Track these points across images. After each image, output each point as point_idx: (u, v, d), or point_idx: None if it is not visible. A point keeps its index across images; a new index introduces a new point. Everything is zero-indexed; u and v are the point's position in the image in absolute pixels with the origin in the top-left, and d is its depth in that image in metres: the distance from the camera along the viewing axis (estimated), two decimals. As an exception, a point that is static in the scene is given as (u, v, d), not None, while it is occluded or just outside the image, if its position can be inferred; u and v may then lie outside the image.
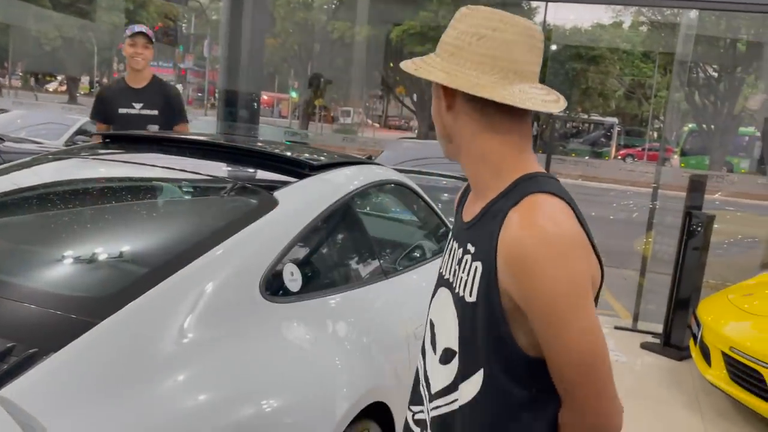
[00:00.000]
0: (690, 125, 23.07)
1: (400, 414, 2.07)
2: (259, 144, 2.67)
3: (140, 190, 2.20)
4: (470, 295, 1.01)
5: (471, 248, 1.03)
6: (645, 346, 4.70)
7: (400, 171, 6.73)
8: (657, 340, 4.75)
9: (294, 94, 33.79)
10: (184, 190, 2.16)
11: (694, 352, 3.92)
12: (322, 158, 2.38)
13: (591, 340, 0.94)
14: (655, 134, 29.48)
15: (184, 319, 1.45)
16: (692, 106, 21.43)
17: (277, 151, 2.39)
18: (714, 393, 3.77)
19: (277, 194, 1.94)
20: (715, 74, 20.57)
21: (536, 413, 1.00)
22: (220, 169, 2.32)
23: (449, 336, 1.07)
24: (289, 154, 2.33)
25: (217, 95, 7.58)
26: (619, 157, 26.66)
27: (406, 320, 2.26)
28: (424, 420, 1.15)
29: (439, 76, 1.00)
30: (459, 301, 1.04)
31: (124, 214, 1.99)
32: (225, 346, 1.48)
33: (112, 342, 1.33)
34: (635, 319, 5.21)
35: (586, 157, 21.59)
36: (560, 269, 0.91)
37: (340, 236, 2.18)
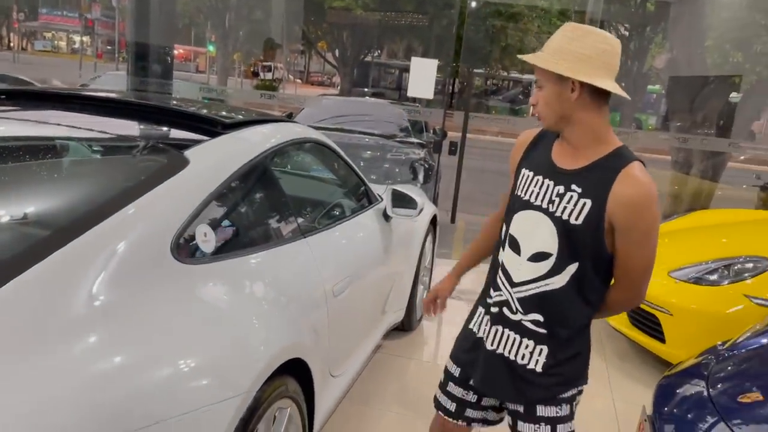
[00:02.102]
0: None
1: (319, 368, 2.12)
2: (171, 102, 2.57)
3: (41, 150, 2.08)
4: (576, 220, 1.51)
5: (577, 189, 1.52)
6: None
7: (322, 129, 6.65)
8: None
9: (211, 48, 32.43)
10: (89, 149, 2.06)
11: (600, 299, 4.18)
12: (235, 116, 2.32)
13: (654, 254, 1.55)
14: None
15: (92, 282, 1.40)
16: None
17: (188, 109, 2.31)
18: (615, 336, 4.05)
19: (187, 153, 1.88)
20: (626, 33, 21.27)
21: (601, 291, 1.61)
22: (127, 127, 2.23)
23: (543, 244, 1.56)
24: (200, 112, 2.26)
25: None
26: (535, 114, 27.32)
27: (324, 278, 2.28)
28: (507, 300, 1.64)
29: (590, 77, 1.47)
30: (561, 222, 1.53)
31: (24, 175, 1.88)
32: (135, 309, 1.45)
33: (13, 309, 1.28)
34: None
35: (505, 115, 22.08)
36: (656, 211, 1.49)
37: (255, 196, 2.16)
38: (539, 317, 1.59)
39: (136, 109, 2.31)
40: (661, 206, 8.02)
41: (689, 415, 2.09)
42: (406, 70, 28.48)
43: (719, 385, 2.09)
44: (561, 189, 1.54)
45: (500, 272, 1.66)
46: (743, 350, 2.29)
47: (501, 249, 1.67)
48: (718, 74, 8.30)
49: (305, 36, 26.79)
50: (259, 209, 2.17)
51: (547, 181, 1.57)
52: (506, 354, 1.64)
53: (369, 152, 6.44)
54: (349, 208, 2.91)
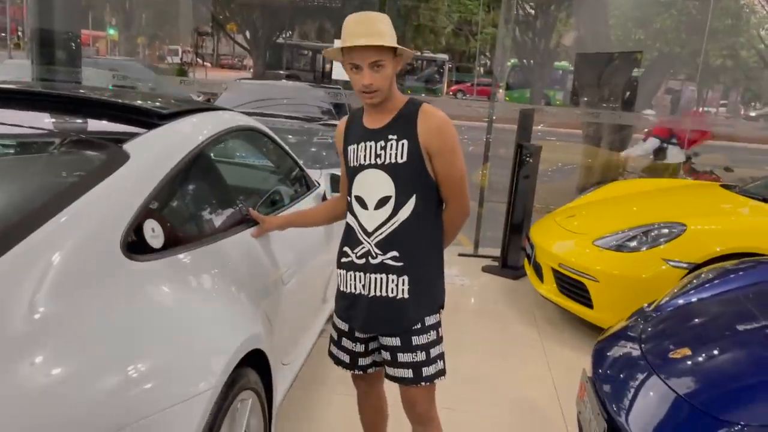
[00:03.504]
0: (512, 60, 24.60)
1: (275, 357, 2.11)
2: (102, 93, 2.44)
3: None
4: (401, 158, 1.86)
5: (393, 136, 1.87)
6: (486, 269, 5.14)
7: (245, 114, 6.51)
8: (496, 263, 5.21)
9: (112, 32, 30.72)
10: (19, 148, 1.94)
11: (529, 270, 4.36)
12: (170, 106, 2.25)
13: (464, 166, 1.93)
14: (482, 70, 31.06)
15: (32, 295, 1.31)
16: (514, 42, 22.79)
17: (122, 100, 2.21)
18: (546, 306, 4.25)
19: (127, 147, 1.81)
20: (532, 11, 21.91)
21: (438, 215, 1.98)
22: (57, 122, 2.11)
23: (382, 190, 1.89)
24: (135, 102, 2.16)
25: (20, 34, 6.68)
26: (451, 93, 27.83)
27: (273, 266, 2.27)
28: (369, 250, 1.93)
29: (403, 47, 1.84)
30: (391, 166, 1.87)
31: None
32: (89, 313, 1.39)
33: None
34: (476, 245, 5.64)
35: (422, 94, 22.32)
36: (455, 131, 1.89)
37: (199, 187, 2.10)
38: (396, 253, 1.89)
39: (62, 102, 2.19)
40: (577, 178, 8.42)
41: (625, 373, 2.24)
42: (320, 51, 28.17)
43: (650, 344, 2.25)
44: (382, 143, 1.88)
45: (357, 230, 1.95)
46: (668, 309, 2.47)
47: (352, 214, 1.97)
48: (622, 50, 8.75)
49: (214, 18, 25.91)
50: (204, 201, 2.13)
51: (369, 143, 1.90)
52: (378, 293, 1.92)
53: (294, 136, 6.36)
54: (288, 195, 2.89)
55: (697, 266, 3.33)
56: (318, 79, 25.73)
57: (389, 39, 1.79)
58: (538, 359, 3.59)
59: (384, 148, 1.88)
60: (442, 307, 2.03)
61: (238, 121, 2.55)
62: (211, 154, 2.22)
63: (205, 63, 31.69)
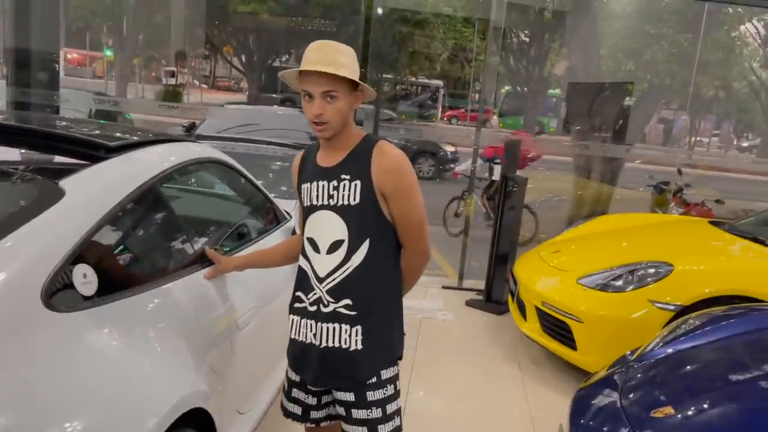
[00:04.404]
0: (506, 87, 24.70)
1: (224, 411, 1.95)
2: (49, 122, 2.31)
3: None
4: (354, 200, 1.74)
5: (346, 176, 1.75)
6: (469, 303, 4.98)
7: (227, 140, 6.37)
8: (480, 297, 5.06)
9: (108, 53, 30.78)
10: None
11: (512, 307, 4.21)
12: (122, 137, 2.11)
13: (422, 208, 1.81)
14: (477, 96, 31.16)
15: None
16: (508, 69, 22.91)
17: (66, 131, 2.08)
18: (530, 344, 4.09)
19: (63, 183, 1.67)
20: (527, 39, 22.06)
21: (395, 260, 1.84)
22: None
23: (335, 234, 1.76)
24: (79, 133, 2.03)
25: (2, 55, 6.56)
26: (445, 119, 27.90)
27: (228, 310, 2.12)
28: (320, 297, 1.79)
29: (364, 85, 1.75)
30: (343, 208, 1.75)
31: None
32: (2, 371, 1.24)
33: None
34: (461, 277, 5.50)
35: (415, 120, 22.34)
36: (411, 172, 1.78)
37: (145, 226, 1.96)
38: (349, 301, 1.76)
39: (4, 132, 2.05)
40: (567, 210, 8.32)
41: (603, 429, 2.09)
42: (316, 75, 28.16)
43: (632, 398, 2.10)
44: (335, 183, 1.76)
45: (309, 274, 1.82)
46: (652, 360, 2.33)
47: (304, 257, 1.84)
48: (613, 81, 8.71)
49: (209, 40, 26.01)
50: (150, 241, 1.98)
51: (322, 183, 1.78)
52: (330, 344, 1.77)
53: (279, 163, 6.24)
54: (254, 229, 2.75)
55: (685, 309, 3.19)
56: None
57: (348, 71, 1.69)
58: (518, 400, 3.43)
59: (336, 188, 1.76)
60: (400, 358, 1.89)
61: (200, 153, 2.42)
62: (165, 189, 2.08)
63: (201, 85, 31.72)
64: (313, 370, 1.81)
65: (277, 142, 6.59)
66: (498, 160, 6.85)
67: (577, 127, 9.19)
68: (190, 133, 7.24)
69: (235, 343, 2.11)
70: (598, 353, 3.40)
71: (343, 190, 1.75)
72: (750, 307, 2.68)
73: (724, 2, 5.21)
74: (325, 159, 1.81)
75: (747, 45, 19.23)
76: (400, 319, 1.88)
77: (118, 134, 2.20)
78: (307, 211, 1.83)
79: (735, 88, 21.26)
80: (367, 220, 1.75)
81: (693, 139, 24.27)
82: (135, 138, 2.12)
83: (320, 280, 1.79)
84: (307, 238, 1.83)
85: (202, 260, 2.10)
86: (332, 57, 1.68)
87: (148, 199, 1.92)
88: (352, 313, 1.76)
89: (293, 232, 2.96)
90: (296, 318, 1.87)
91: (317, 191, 1.79)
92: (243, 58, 25.46)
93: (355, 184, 1.74)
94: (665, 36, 8.33)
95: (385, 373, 1.81)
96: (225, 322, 2.06)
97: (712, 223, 4.32)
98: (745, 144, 27.11)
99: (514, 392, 3.53)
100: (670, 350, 2.34)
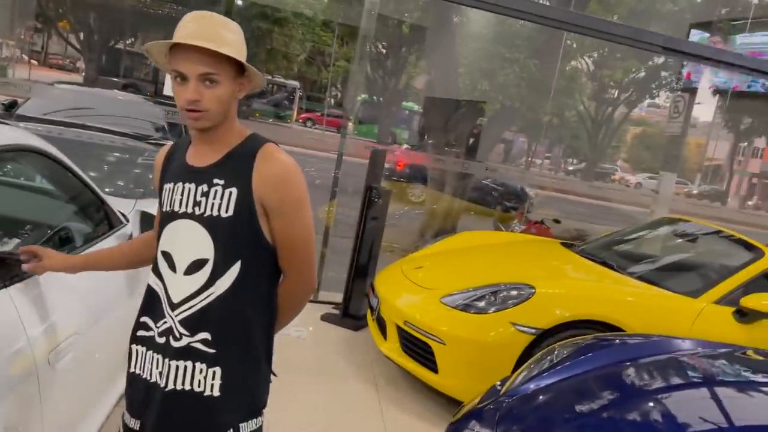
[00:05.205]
0: (363, 96, 24.95)
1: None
2: None
3: None
4: (227, 212, 1.41)
5: (220, 181, 1.42)
6: (325, 317, 4.72)
7: (56, 124, 5.54)
8: (337, 311, 4.82)
9: None
10: None
11: (371, 324, 4.02)
12: None
13: (312, 227, 1.50)
14: (332, 101, 31.19)
15: None
16: (366, 78, 23.14)
17: None
18: (388, 363, 3.91)
19: None
20: (384, 51, 22.44)
21: (271, 289, 1.50)
22: None
23: (197, 250, 1.43)
24: None
25: None
26: (300, 121, 27.58)
27: (34, 342, 1.66)
28: (170, 327, 1.45)
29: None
30: (212, 220, 1.41)
31: None
32: None
33: None
34: (317, 289, 5.22)
35: (270, 120, 21.77)
36: (302, 182, 1.46)
37: None
38: (207, 335, 1.43)
39: None
40: (413, 216, 8.38)
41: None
42: (164, 62, 26.47)
43: (507, 437, 1.96)
44: (204, 187, 1.43)
45: (161, 297, 1.48)
46: (522, 394, 2.22)
47: (156, 274, 1.50)
48: (468, 99, 8.97)
49: (43, 12, 23.47)
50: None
51: (187, 185, 1.46)
52: (179, 387, 1.43)
53: (116, 154, 5.55)
54: (81, 236, 2.27)
55: (545, 332, 3.18)
56: (160, 91, 24.13)
57: (233, 50, 1.37)
58: (376, 428, 3.22)
59: (206, 194, 1.43)
60: (264, 407, 1.56)
61: (15, 140, 1.92)
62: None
63: (31, 60, 28.52)
64: (156, 416, 1.45)
65: (116, 131, 5.88)
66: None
67: (431, 141, 9.35)
68: (9, 112, 6.26)
69: (44, 381, 1.66)
70: (460, 376, 3.30)
71: (214, 198, 1.42)
72: (614, 336, 2.71)
73: (579, 33, 5.48)
74: (197, 157, 1.47)
75: (580, 77, 21.15)
76: (269, 359, 1.55)
77: None
78: (165, 218, 1.48)
79: (566, 116, 23.28)
80: (240, 238, 1.42)
81: (529, 159, 26.21)
82: None
83: (173, 307, 1.45)
84: (162, 252, 1.48)
85: (3, 277, 1.63)
86: (214, 31, 1.36)
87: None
88: (210, 350, 1.43)
89: (130, 238, 2.51)
90: (140, 349, 1.52)
91: (180, 195, 1.45)
92: (81, 35, 23.24)
93: (230, 192, 1.41)
94: (518, 60, 8.76)
95: (246, 427, 1.48)
96: (30, 357, 1.60)
97: (564, 245, 4.46)
98: (570, 168, 29.84)
99: (372, 418, 3.32)
100: (539, 384, 2.25)
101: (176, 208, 1.45)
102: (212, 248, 1.42)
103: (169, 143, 1.62)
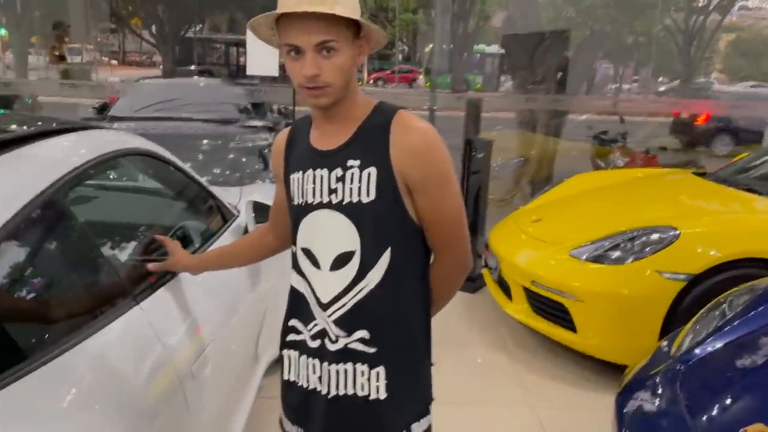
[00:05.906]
0: (430, 45, 24.28)
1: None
2: None
3: None
4: (368, 195, 1.26)
5: (355, 162, 1.26)
6: (439, 282, 4.55)
7: (146, 120, 5.59)
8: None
9: (2, 32, 28.17)
10: None
11: (492, 286, 3.80)
12: (10, 128, 1.50)
13: (461, 199, 1.35)
14: (400, 56, 30.61)
15: None
16: (431, 26, 22.45)
17: None
18: (513, 323, 3.69)
19: None
20: (451, -6, 21.62)
21: (425, 272, 1.36)
22: None
23: (341, 243, 1.28)
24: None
25: None
26: (371, 82, 27.32)
27: (174, 355, 1.57)
28: (325, 329, 1.32)
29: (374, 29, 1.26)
30: (351, 207, 1.26)
31: None
32: None
33: None
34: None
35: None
36: (444, 150, 1.29)
37: (47, 258, 1.37)
38: (365, 333, 1.30)
39: None
40: (513, 166, 8.00)
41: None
42: (234, 44, 26.86)
43: (701, 416, 1.70)
44: (339, 171, 1.28)
45: (308, 298, 1.36)
46: (703, 356, 1.94)
47: (298, 272, 1.37)
48: (552, 29, 8.39)
49: (114, 12, 24.22)
50: (54, 280, 1.39)
51: (318, 171, 1.30)
52: (342, 392, 1.32)
53: (207, 142, 5.55)
54: (198, 233, 2.17)
55: (697, 278, 2.85)
56: (234, 73, 24.47)
57: (347, 10, 1.19)
58: (519, 399, 3.02)
59: (341, 179, 1.27)
60: (431, 402, 1.42)
61: (118, 144, 1.82)
62: (72, 200, 1.49)
63: (110, 61, 29.69)
64: (322, 425, 1.35)
65: (204, 119, 5.88)
66: None
67: (518, 81, 8.84)
68: (102, 114, 6.41)
69: (189, 390, 1.57)
70: (602, 335, 3.04)
71: (351, 182, 1.26)
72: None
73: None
74: (323, 139, 1.32)
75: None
76: (428, 349, 1.42)
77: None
78: (298, 212, 1.35)
79: (653, 33, 21.63)
80: (387, 223, 1.27)
81: (615, 85, 24.69)
82: (31, 128, 1.50)
83: (324, 307, 1.32)
84: (302, 249, 1.35)
85: (134, 294, 1.53)
86: None
87: (48, 216, 1.34)
88: (370, 349, 1.30)
89: (245, 231, 2.40)
90: (292, 354, 1.40)
91: (313, 183, 1.30)
92: (153, 29, 23.86)
93: (368, 173, 1.25)
94: (603, -19, 8.07)
95: (417, 428, 1.35)
96: (172, 371, 1.50)
97: (697, 174, 4.02)
98: (661, 89, 27.87)
99: (514, 389, 3.12)
100: (721, 343, 1.96)
101: (310, 199, 1.31)
102: (357, 238, 1.27)
103: (286, 129, 1.45)
